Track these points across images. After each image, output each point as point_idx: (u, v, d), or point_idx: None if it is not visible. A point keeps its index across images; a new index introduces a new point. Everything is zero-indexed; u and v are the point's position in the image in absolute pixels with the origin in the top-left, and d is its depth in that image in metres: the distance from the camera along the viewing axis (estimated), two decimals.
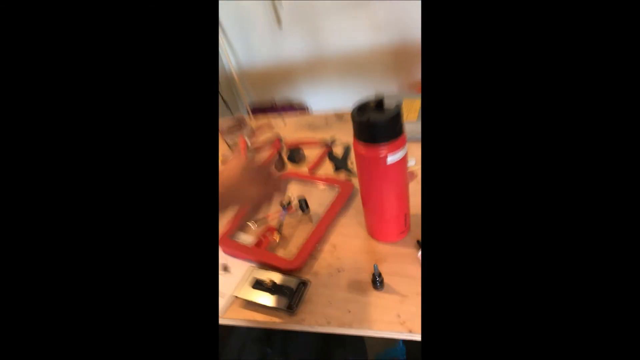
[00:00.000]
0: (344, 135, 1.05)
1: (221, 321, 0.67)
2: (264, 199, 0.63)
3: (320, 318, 0.63)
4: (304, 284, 0.66)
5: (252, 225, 0.81)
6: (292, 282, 0.66)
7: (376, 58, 1.95)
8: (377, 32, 1.87)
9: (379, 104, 0.59)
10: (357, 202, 0.84)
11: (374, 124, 0.55)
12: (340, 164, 0.93)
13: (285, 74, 2.10)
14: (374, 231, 0.73)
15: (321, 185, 0.89)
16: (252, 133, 0.79)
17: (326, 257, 0.73)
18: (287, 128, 1.15)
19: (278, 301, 0.64)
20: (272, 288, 0.66)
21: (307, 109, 2.16)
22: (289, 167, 0.99)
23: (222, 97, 2.07)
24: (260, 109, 2.13)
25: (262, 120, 1.26)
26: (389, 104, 0.58)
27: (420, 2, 0.33)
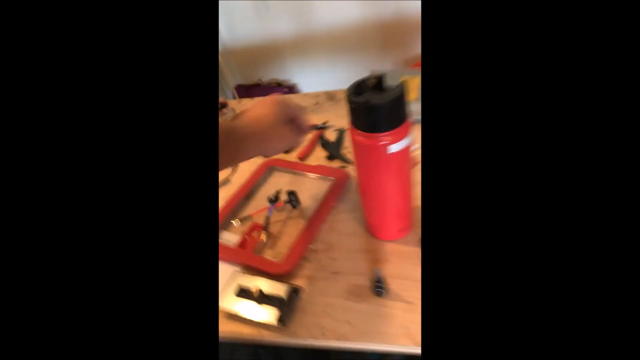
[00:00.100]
0: (337, 118, 0.96)
1: None
2: (293, 143, 0.61)
3: (315, 330, 0.55)
4: (295, 291, 0.58)
5: (235, 222, 0.72)
6: (283, 290, 0.58)
7: (368, 33, 1.85)
8: (368, 5, 1.76)
9: (378, 83, 0.49)
10: (354, 194, 0.75)
11: (374, 107, 0.46)
12: (333, 151, 0.84)
13: (271, 52, 1.99)
14: (373, 228, 0.65)
15: (313, 176, 0.80)
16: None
17: (320, 258, 0.65)
18: None
19: (267, 314, 0.56)
20: (260, 298, 0.58)
21: (296, 89, 2.06)
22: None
23: None
24: (246, 90, 2.02)
25: (247, 102, 1.16)
26: (389, 83, 0.49)
27: None
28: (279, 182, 0.81)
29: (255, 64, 2.05)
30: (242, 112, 0.55)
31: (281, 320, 0.55)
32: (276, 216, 0.73)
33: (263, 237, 0.68)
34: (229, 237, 0.70)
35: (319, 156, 0.86)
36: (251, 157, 0.53)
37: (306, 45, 1.95)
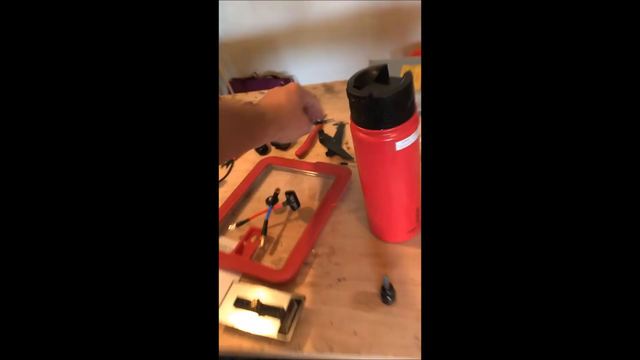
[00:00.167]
0: (336, 111, 0.91)
1: None
2: (307, 131, 0.63)
3: (319, 343, 0.51)
4: (297, 301, 0.54)
5: (231, 227, 0.67)
6: (283, 300, 0.54)
7: (364, 22, 1.79)
8: None
9: (381, 74, 0.45)
10: (356, 192, 0.71)
11: (378, 101, 0.42)
12: (333, 146, 0.79)
13: (266, 44, 1.93)
14: (379, 230, 0.60)
15: (312, 174, 0.76)
16: None
17: (323, 263, 0.61)
18: None
19: (267, 326, 0.52)
20: (259, 309, 0.54)
21: (293, 81, 2.00)
22: (272, 152, 0.85)
23: None
24: (241, 84, 1.96)
25: (242, 97, 1.11)
26: (394, 75, 0.44)
27: None
28: (277, 182, 0.76)
29: (249, 57, 2.00)
30: (263, 97, 0.58)
31: (283, 332, 0.51)
32: (275, 219, 0.69)
33: (261, 242, 0.64)
34: (225, 243, 0.65)
35: (318, 152, 0.82)
36: (268, 142, 0.58)
37: (301, 35, 1.89)
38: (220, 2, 1.82)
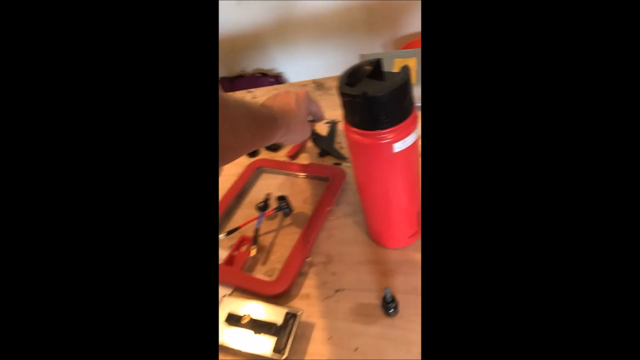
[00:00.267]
0: (328, 109, 0.87)
1: None
2: (307, 136, 0.66)
3: None
4: (293, 316, 0.50)
5: (220, 235, 0.63)
6: (278, 315, 0.50)
7: (354, 15, 1.75)
8: None
9: (375, 70, 0.41)
10: (352, 194, 0.67)
11: (373, 100, 0.38)
12: (326, 146, 0.75)
13: (253, 40, 1.88)
14: (378, 235, 0.57)
15: (305, 176, 0.72)
16: None
17: (319, 272, 0.57)
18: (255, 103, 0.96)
19: (262, 344, 0.48)
20: (252, 325, 0.50)
21: (282, 78, 1.96)
22: (262, 153, 0.81)
23: None
24: (229, 82, 1.91)
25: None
26: (388, 70, 0.41)
27: None
28: (269, 185, 0.72)
29: (236, 55, 1.95)
30: (271, 99, 0.60)
31: (278, 350, 0.47)
32: (267, 226, 0.65)
33: (253, 251, 0.60)
34: None
35: (310, 153, 0.78)
36: (271, 143, 0.58)
37: (289, 31, 1.85)
38: None
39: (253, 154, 0.76)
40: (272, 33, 1.85)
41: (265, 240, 0.63)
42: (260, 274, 0.58)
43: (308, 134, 0.65)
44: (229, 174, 0.77)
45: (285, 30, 1.84)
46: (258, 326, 0.50)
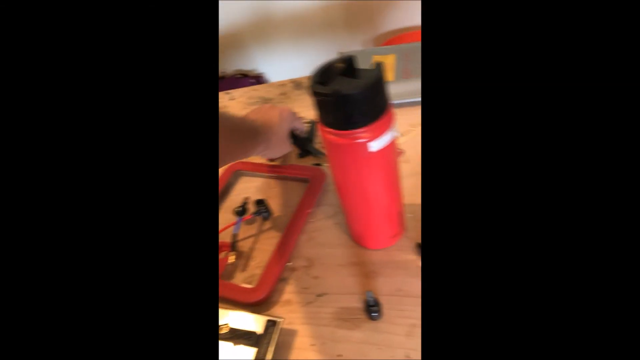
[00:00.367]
0: (307, 109, 0.85)
1: None
2: (286, 151, 0.67)
3: None
4: (274, 324, 0.48)
5: None
6: (258, 323, 0.49)
7: (333, 13, 1.74)
8: None
9: (348, 67, 0.39)
10: (333, 195, 0.65)
11: (346, 98, 0.36)
12: (305, 146, 0.73)
13: (232, 41, 1.85)
14: (359, 236, 0.55)
15: (284, 178, 0.70)
16: None
17: (300, 277, 0.55)
18: (235, 105, 0.94)
19: (241, 354, 0.47)
20: (232, 336, 0.48)
21: (263, 79, 1.94)
22: None
23: None
24: None
25: None
26: (361, 66, 0.39)
27: None
28: (247, 189, 0.71)
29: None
30: (255, 112, 0.62)
31: None
32: (246, 231, 0.63)
33: (232, 258, 0.58)
34: None
35: (290, 154, 0.76)
36: (250, 156, 0.60)
37: (269, 31, 1.82)
38: None
39: None
40: (251, 33, 1.83)
41: (245, 245, 0.61)
42: (239, 281, 0.57)
43: (287, 150, 0.66)
44: None
45: (264, 31, 1.82)
46: (237, 336, 0.48)
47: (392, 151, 0.44)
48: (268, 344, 0.47)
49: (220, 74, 1.93)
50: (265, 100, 0.93)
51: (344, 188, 0.49)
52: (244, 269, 0.58)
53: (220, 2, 1.71)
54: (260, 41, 1.86)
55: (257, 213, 0.62)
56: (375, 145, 0.40)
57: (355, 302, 0.50)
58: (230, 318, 0.50)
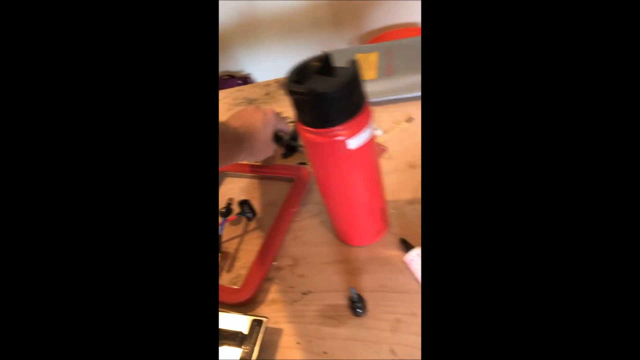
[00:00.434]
0: (291, 108, 0.85)
1: None
2: (270, 154, 0.65)
3: None
4: (259, 323, 0.48)
5: None
6: (243, 323, 0.49)
7: (318, 12, 1.74)
8: None
9: (324, 65, 0.40)
10: (318, 194, 0.65)
11: (322, 97, 0.36)
12: (289, 146, 0.73)
13: (219, 43, 1.84)
14: (343, 234, 0.56)
15: (269, 178, 0.70)
16: None
17: (286, 276, 0.56)
18: (220, 107, 0.93)
19: (227, 354, 0.47)
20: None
21: (250, 79, 1.93)
22: None
23: None
24: None
25: None
26: (339, 64, 0.39)
27: None
28: (232, 190, 0.70)
29: None
30: (237, 117, 0.60)
31: None
32: (230, 232, 0.63)
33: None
34: None
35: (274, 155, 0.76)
36: (233, 163, 0.59)
37: (255, 32, 1.82)
38: None
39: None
40: (237, 34, 1.83)
41: (230, 246, 0.61)
42: (225, 281, 0.57)
43: (271, 153, 0.65)
44: None
45: (250, 31, 1.82)
46: (223, 337, 0.48)
47: (371, 148, 0.44)
48: (254, 343, 0.47)
49: None
50: (251, 101, 0.93)
51: (326, 186, 0.49)
52: (229, 270, 0.58)
53: None
54: (246, 42, 1.86)
55: (241, 214, 0.62)
56: (353, 143, 0.41)
57: (341, 300, 0.51)
58: None
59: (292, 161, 0.72)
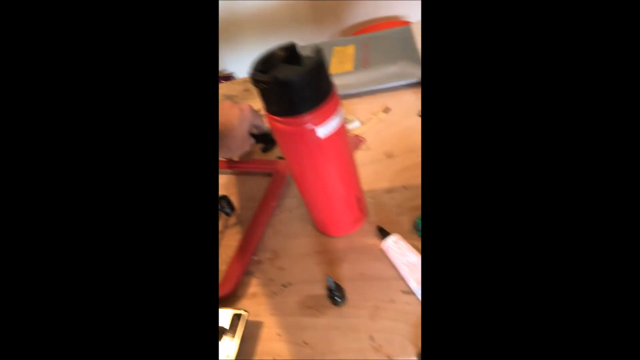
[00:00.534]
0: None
1: None
2: (247, 149, 0.64)
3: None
4: (238, 317, 0.48)
5: None
6: (223, 317, 0.49)
7: (298, 8, 1.74)
8: None
9: (290, 54, 0.40)
10: (297, 187, 0.65)
11: (286, 84, 0.36)
12: (268, 141, 0.73)
13: None
14: (321, 225, 0.56)
15: (248, 174, 0.70)
16: None
17: (266, 269, 0.56)
18: None
19: None
20: None
21: (233, 78, 1.92)
22: None
23: None
24: None
25: None
26: (305, 53, 0.39)
27: None
28: None
29: None
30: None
31: (225, 354, 0.46)
32: None
33: None
34: None
35: (253, 150, 0.76)
36: None
37: (234, 30, 1.81)
38: None
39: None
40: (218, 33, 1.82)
41: None
42: None
43: (247, 149, 0.64)
44: None
45: (230, 30, 1.81)
46: None
47: (342, 137, 0.44)
48: (233, 336, 0.47)
49: None
50: (229, 97, 0.92)
51: (300, 177, 0.49)
52: None
53: None
54: (228, 41, 1.85)
55: (219, 210, 0.62)
56: (322, 131, 0.41)
57: (320, 290, 0.51)
58: None
59: (272, 156, 0.72)
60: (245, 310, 0.48)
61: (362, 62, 0.80)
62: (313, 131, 0.40)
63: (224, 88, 0.97)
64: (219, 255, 0.59)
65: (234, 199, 0.64)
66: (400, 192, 0.59)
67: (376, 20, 1.72)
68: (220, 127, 0.57)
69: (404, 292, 0.47)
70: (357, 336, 0.45)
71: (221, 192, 0.66)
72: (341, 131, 0.43)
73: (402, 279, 0.48)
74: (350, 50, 0.85)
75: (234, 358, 0.46)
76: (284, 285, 0.53)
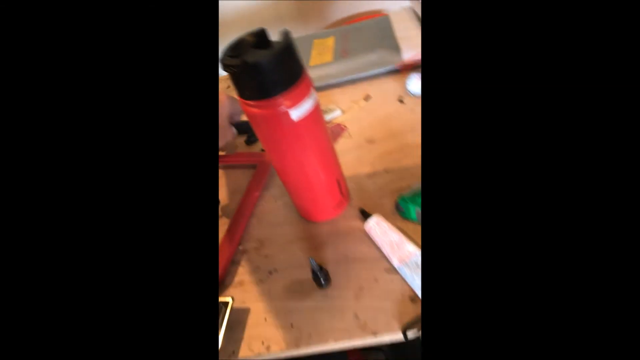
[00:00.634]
0: None
1: None
2: (229, 139, 0.63)
3: (255, 344, 0.47)
4: (225, 305, 0.49)
5: None
6: None
7: (281, 7, 1.74)
8: None
9: (260, 39, 0.40)
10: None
11: (256, 66, 0.37)
12: (251, 132, 0.74)
13: None
14: (305, 211, 0.56)
15: (232, 167, 0.71)
16: None
17: (251, 258, 0.56)
18: None
19: None
20: None
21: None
22: None
23: None
24: None
25: None
26: (275, 39, 0.40)
27: None
28: None
29: None
30: None
31: None
32: None
33: None
34: None
35: (237, 143, 0.76)
36: None
37: (220, 30, 1.82)
38: None
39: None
40: None
41: None
42: None
43: (229, 138, 0.63)
44: None
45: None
46: None
47: (317, 120, 0.45)
48: (221, 324, 0.47)
49: None
50: None
51: (279, 163, 0.49)
52: None
53: None
54: None
55: None
56: (296, 114, 0.41)
57: (306, 275, 0.51)
58: None
59: (256, 148, 0.73)
60: (232, 298, 0.49)
61: (342, 53, 0.81)
62: (287, 113, 0.41)
63: None
64: None
65: (220, 192, 0.65)
66: (381, 175, 0.59)
67: (360, 15, 1.73)
68: None
69: (387, 271, 0.48)
70: (343, 316, 0.46)
71: None
72: (315, 114, 0.44)
73: (385, 258, 0.49)
74: (330, 42, 0.86)
75: (220, 346, 0.46)
76: (270, 272, 0.53)
